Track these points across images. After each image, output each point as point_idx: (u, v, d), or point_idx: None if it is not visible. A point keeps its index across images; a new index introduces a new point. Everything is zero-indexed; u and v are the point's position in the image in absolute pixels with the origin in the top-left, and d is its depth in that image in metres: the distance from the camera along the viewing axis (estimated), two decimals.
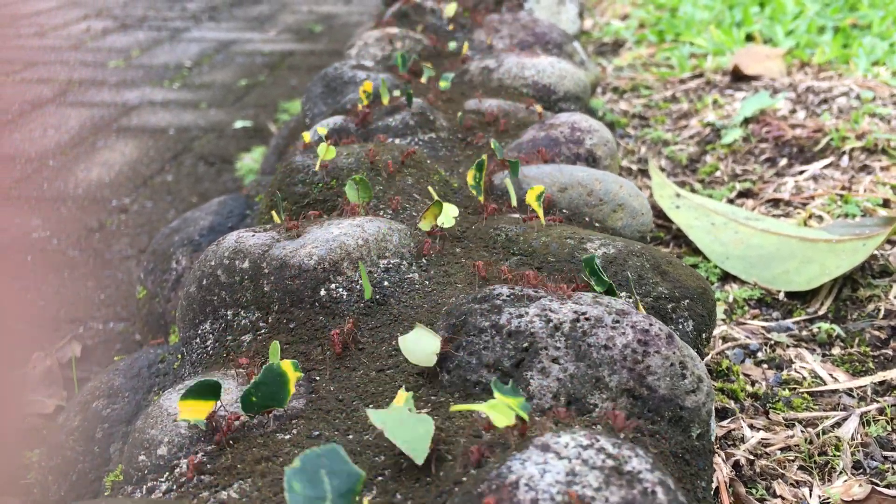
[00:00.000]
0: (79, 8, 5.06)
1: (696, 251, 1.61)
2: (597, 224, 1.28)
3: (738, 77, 2.50)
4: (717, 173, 1.96)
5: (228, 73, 3.65)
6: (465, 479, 0.68)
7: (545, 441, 0.68)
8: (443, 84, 1.44)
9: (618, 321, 0.83)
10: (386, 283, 0.98)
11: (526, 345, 0.82)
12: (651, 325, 0.83)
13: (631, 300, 0.99)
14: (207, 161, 2.69)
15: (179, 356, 1.07)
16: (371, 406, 0.82)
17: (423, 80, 1.50)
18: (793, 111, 2.19)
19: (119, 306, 1.88)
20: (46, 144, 2.82)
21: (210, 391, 0.76)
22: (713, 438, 0.85)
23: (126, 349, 1.73)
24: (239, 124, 3.00)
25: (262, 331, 0.95)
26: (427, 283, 1.00)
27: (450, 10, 2.01)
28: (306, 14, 4.96)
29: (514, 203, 1.20)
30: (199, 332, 0.99)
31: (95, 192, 2.45)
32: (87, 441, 1.04)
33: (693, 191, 1.88)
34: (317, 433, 0.78)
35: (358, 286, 0.96)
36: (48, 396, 1.59)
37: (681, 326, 1.01)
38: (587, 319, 0.83)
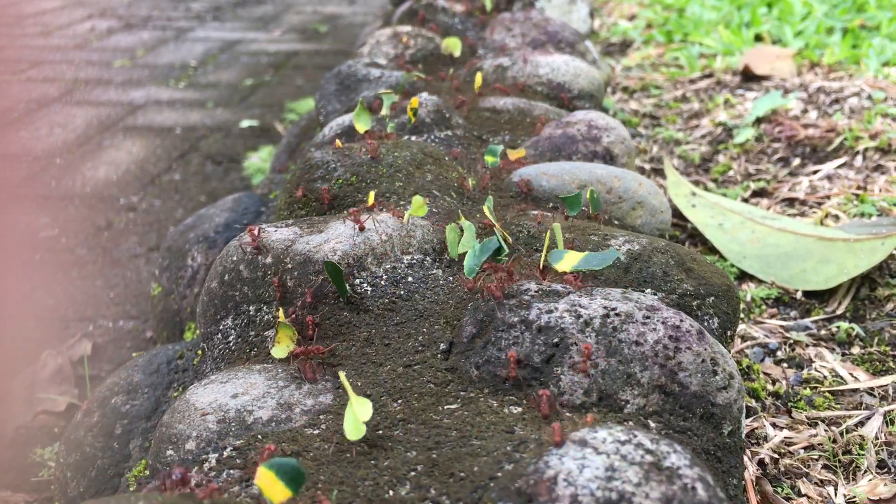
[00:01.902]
0: (83, 7, 5.05)
1: (712, 250, 1.61)
2: (616, 221, 1.27)
3: (749, 77, 2.50)
4: (731, 173, 1.95)
5: (234, 73, 3.65)
6: (499, 473, 0.68)
7: (582, 436, 0.67)
8: (489, 160, 1.31)
9: (648, 317, 0.82)
10: (410, 279, 0.97)
11: (556, 340, 0.81)
12: (682, 321, 0.83)
13: (657, 296, 0.98)
14: (215, 160, 2.69)
15: (199, 352, 1.06)
16: (399, 402, 0.81)
17: (408, 115, 1.37)
18: (805, 111, 2.18)
19: (129, 304, 1.88)
20: (53, 143, 2.81)
21: (298, 479, 0.65)
22: (743, 436, 0.84)
23: (137, 347, 1.72)
24: (245, 124, 2.99)
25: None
26: (451, 279, 0.99)
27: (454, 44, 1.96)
28: (311, 14, 4.95)
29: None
30: (221, 327, 0.99)
31: (103, 191, 2.44)
32: (107, 437, 1.03)
33: (707, 190, 1.87)
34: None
35: (383, 281, 0.95)
36: (60, 394, 1.58)
37: (706, 323, 1.00)
38: (617, 315, 0.82)
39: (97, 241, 2.16)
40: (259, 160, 2.64)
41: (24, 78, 3.53)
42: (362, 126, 1.34)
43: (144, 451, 1.01)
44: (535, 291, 0.87)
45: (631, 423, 0.77)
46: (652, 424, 0.78)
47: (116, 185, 2.49)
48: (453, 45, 1.82)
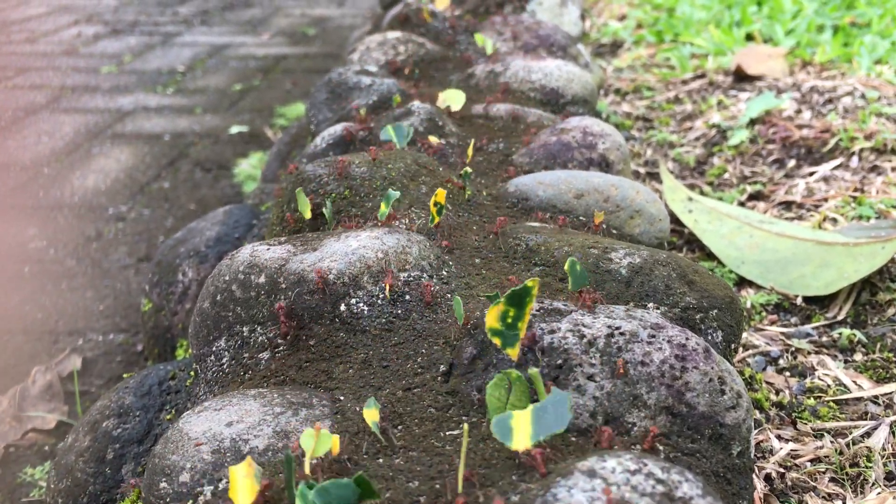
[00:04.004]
0: (69, 13, 5.01)
1: (710, 256, 1.59)
2: (614, 231, 1.25)
3: (741, 77, 2.48)
4: (726, 175, 1.93)
5: (222, 78, 3.62)
6: None
7: (591, 465, 0.65)
8: (382, 209, 1.05)
9: (654, 336, 0.80)
10: (408, 297, 0.95)
11: (560, 361, 0.79)
12: (688, 339, 0.80)
13: (659, 310, 0.96)
14: (204, 167, 2.65)
15: (192, 373, 1.03)
16: (399, 427, 0.78)
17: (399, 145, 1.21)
18: (798, 111, 2.16)
19: (119, 317, 1.85)
20: (41, 152, 2.77)
21: None
22: (753, 455, 0.82)
23: (127, 361, 1.70)
24: (235, 129, 2.96)
25: (281, 348, 0.92)
26: (449, 296, 0.97)
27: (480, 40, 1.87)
28: (299, 17, 4.92)
29: None
30: (214, 349, 0.96)
31: (92, 200, 2.41)
32: (98, 462, 1.00)
33: (703, 193, 1.85)
34: (345, 456, 0.74)
35: (379, 300, 0.93)
36: (49, 411, 1.55)
37: (710, 337, 0.98)
38: (622, 334, 0.80)
39: (86, 251, 2.13)
40: (249, 167, 2.61)
41: (11, 85, 3.49)
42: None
43: (137, 477, 0.98)
44: (537, 310, 0.84)
45: (639, 447, 0.75)
46: (660, 447, 0.76)
47: (105, 194, 2.46)
48: (451, 99, 1.54)
